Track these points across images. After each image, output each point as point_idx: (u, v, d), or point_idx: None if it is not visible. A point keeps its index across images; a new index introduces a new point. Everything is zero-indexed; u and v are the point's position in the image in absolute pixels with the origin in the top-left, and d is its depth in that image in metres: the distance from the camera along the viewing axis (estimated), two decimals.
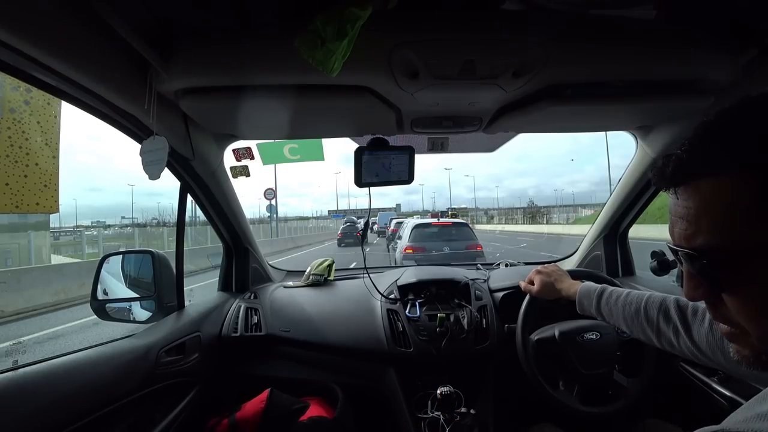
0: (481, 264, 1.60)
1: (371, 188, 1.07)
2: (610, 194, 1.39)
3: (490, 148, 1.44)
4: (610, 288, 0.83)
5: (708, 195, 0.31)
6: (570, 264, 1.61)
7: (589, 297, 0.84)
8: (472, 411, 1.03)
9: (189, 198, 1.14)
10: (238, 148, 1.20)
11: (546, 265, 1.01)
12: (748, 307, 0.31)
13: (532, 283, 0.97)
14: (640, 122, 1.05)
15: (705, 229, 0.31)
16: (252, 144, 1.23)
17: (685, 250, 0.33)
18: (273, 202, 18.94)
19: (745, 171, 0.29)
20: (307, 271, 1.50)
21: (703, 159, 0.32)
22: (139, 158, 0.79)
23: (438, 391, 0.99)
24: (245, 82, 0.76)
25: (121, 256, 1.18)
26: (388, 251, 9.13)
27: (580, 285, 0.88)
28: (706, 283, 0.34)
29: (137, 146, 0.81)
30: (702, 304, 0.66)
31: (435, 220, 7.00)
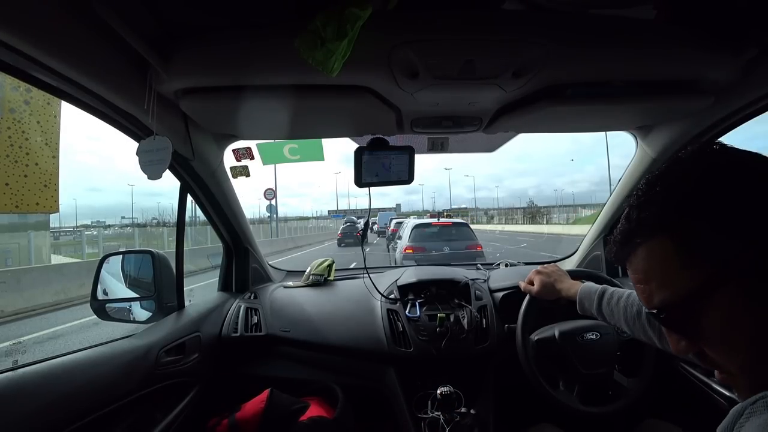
0: (481, 264, 1.60)
1: (371, 188, 1.07)
2: (610, 194, 1.39)
3: (490, 148, 1.44)
4: (611, 289, 0.83)
5: (645, 261, 0.37)
6: (570, 264, 1.61)
7: (589, 297, 0.84)
8: (472, 411, 1.03)
9: (189, 198, 1.14)
10: (238, 148, 1.20)
11: (546, 265, 1.01)
12: (719, 348, 0.36)
13: (531, 283, 0.97)
14: (640, 122, 1.05)
15: (655, 289, 0.37)
16: (252, 144, 1.23)
17: (649, 311, 0.38)
18: (273, 202, 18.95)
19: (660, 234, 0.36)
20: (307, 271, 1.50)
21: (630, 235, 0.38)
22: (138, 159, 0.79)
23: (438, 391, 0.99)
24: (245, 82, 0.76)
25: (121, 256, 1.18)
26: (388, 251, 9.14)
27: (580, 285, 0.88)
28: (680, 336, 0.38)
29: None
30: None
31: (434, 220, 7.01)
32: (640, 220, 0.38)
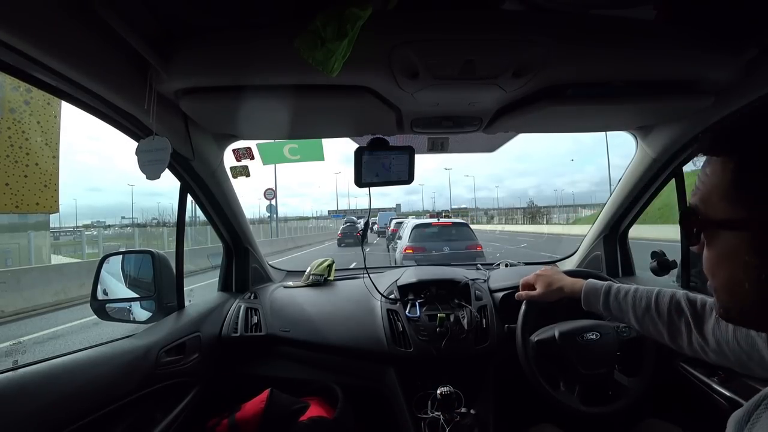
0: (481, 264, 1.61)
1: (371, 188, 1.07)
2: (610, 194, 1.39)
3: (490, 148, 1.44)
4: (617, 284, 0.83)
5: (705, 173, 0.41)
6: (570, 264, 1.61)
7: (595, 293, 0.84)
8: (472, 411, 1.03)
9: (189, 198, 1.14)
10: (238, 148, 1.20)
11: (544, 268, 1.00)
12: (708, 264, 0.41)
13: (532, 288, 0.96)
14: (641, 122, 1.05)
15: (699, 194, 0.41)
16: (252, 144, 1.23)
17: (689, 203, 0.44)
18: (273, 202, 18.95)
19: (727, 157, 0.38)
20: (307, 271, 1.50)
21: (711, 142, 0.42)
22: (137, 158, 0.79)
23: (438, 391, 0.99)
24: (245, 82, 0.76)
25: (121, 256, 1.18)
26: (388, 251, 9.13)
27: (584, 282, 0.88)
28: (688, 234, 0.43)
29: None
30: (710, 299, 0.68)
31: (434, 220, 7.00)
32: (719, 134, 0.41)
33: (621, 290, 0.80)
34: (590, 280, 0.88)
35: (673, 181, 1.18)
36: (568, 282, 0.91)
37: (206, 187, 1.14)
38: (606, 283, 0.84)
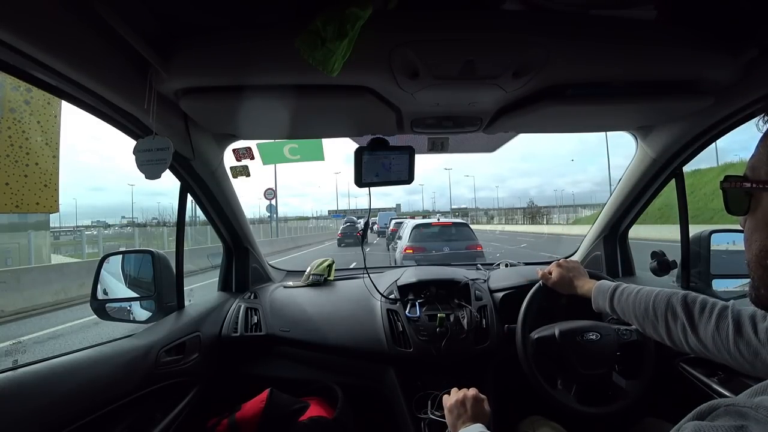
0: (481, 264, 1.61)
1: (371, 188, 1.07)
2: (610, 195, 1.39)
3: (490, 148, 1.44)
4: (624, 285, 0.83)
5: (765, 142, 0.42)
6: None
7: (603, 295, 0.84)
8: None
9: (189, 198, 1.14)
10: (238, 148, 1.20)
11: (568, 260, 1.04)
12: (747, 234, 0.43)
13: (550, 273, 0.99)
14: (641, 122, 1.05)
15: (750, 162, 0.43)
16: (252, 144, 1.23)
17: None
18: (273, 202, 18.95)
19: None
20: (307, 271, 1.50)
21: None
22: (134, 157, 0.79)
23: (438, 392, 0.99)
24: (245, 82, 0.76)
25: (121, 255, 1.18)
26: (388, 251, 9.14)
27: (595, 283, 0.89)
28: (735, 199, 0.45)
29: None
30: (710, 300, 0.68)
31: (433, 220, 7.01)
32: None
33: (625, 292, 0.81)
34: (601, 281, 0.89)
35: (673, 181, 1.18)
36: (581, 282, 0.93)
37: (206, 187, 1.14)
38: (614, 283, 0.85)
